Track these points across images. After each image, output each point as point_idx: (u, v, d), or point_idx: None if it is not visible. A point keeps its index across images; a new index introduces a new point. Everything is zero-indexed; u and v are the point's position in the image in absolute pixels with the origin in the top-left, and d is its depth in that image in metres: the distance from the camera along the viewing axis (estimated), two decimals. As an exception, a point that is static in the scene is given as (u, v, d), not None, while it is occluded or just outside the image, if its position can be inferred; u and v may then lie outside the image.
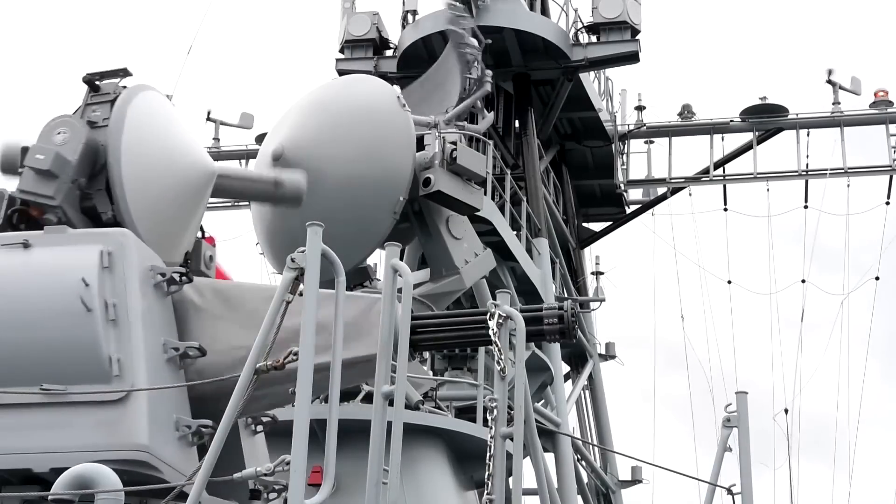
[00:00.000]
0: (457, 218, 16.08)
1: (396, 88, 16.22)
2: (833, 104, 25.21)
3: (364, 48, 23.88)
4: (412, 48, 22.89)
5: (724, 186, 25.63)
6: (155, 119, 7.60)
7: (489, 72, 17.97)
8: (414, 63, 22.27)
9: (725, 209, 25.54)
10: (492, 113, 19.89)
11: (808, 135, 25.16)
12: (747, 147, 25.49)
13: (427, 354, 18.81)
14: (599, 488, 24.41)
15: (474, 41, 17.60)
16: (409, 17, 23.93)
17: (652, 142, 26.30)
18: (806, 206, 25.04)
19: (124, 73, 7.62)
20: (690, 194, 25.89)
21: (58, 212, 7.21)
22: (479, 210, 16.42)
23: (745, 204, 25.83)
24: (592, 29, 23.67)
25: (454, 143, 15.82)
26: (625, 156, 26.23)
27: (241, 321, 6.94)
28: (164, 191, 7.50)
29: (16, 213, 7.25)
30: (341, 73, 23.83)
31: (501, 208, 19.53)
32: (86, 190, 7.33)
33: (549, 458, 20.59)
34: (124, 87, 7.58)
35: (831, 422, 25.17)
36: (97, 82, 7.56)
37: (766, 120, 25.32)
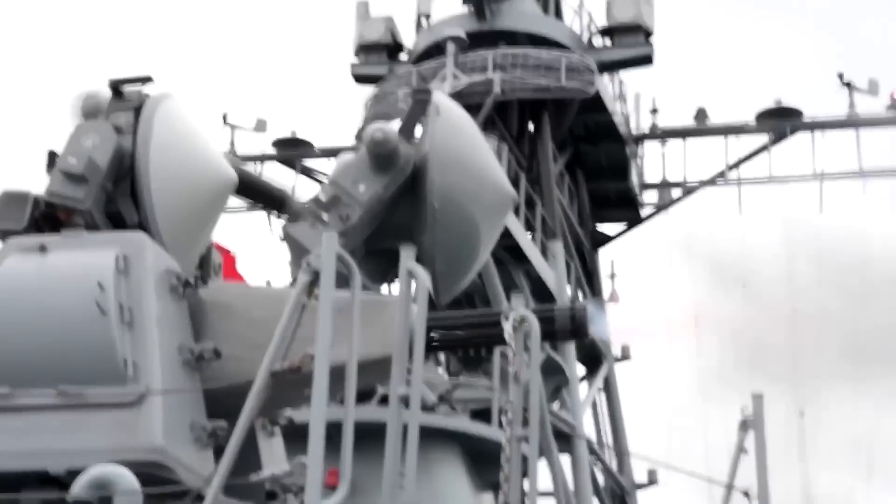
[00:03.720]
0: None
1: None
2: (849, 107, 25.16)
3: (378, 53, 23.94)
4: (426, 52, 22.92)
5: (739, 189, 25.62)
6: (179, 127, 7.66)
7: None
8: (428, 67, 22.30)
9: (740, 212, 25.53)
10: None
11: (823, 137, 25.13)
12: (762, 150, 25.47)
13: (442, 357, 18.85)
14: (615, 490, 24.40)
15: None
16: (423, 20, 23.96)
17: (666, 143, 26.29)
18: (821, 209, 25.02)
19: (148, 79, 7.66)
20: (705, 197, 25.89)
21: (86, 216, 7.26)
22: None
23: (760, 206, 25.80)
24: (606, 32, 23.67)
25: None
26: (639, 159, 26.22)
27: (257, 324, 6.96)
28: (187, 198, 7.55)
29: (42, 215, 7.30)
30: (356, 77, 23.89)
31: (516, 211, 19.55)
32: (111, 195, 7.38)
33: (565, 460, 20.60)
34: (146, 94, 7.62)
35: (848, 424, 25.09)
36: (121, 88, 7.61)
37: (780, 122, 25.29)
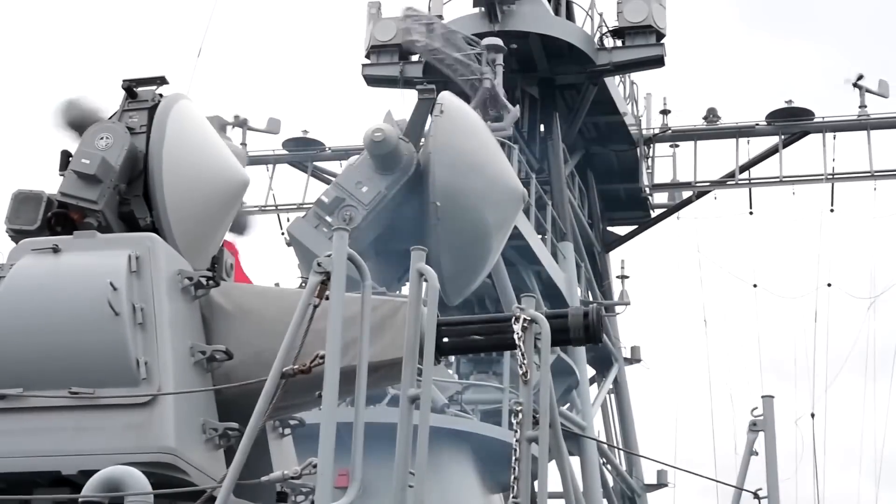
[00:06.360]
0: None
1: None
2: (860, 107, 25.11)
3: (390, 53, 23.91)
4: (437, 52, 22.90)
5: (750, 190, 25.58)
6: (192, 128, 7.68)
7: (485, 68, 17.85)
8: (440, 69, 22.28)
9: (751, 213, 25.51)
10: (517, 107, 19.84)
11: (834, 138, 25.09)
12: (773, 151, 25.42)
13: (453, 358, 18.85)
14: (625, 492, 24.40)
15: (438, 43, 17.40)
16: (435, 22, 23.94)
17: (677, 145, 26.26)
18: (832, 210, 24.98)
19: (161, 80, 7.68)
20: (716, 198, 25.87)
21: (98, 216, 7.28)
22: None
23: (771, 208, 25.79)
24: (617, 33, 23.64)
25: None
26: (650, 160, 26.19)
27: (267, 325, 6.98)
28: (199, 198, 7.57)
29: (54, 215, 7.32)
30: (367, 78, 23.89)
31: (526, 212, 19.55)
32: (124, 195, 7.41)
33: (575, 461, 20.60)
34: (160, 94, 7.64)
35: (857, 427, 25.06)
36: (134, 89, 7.63)
37: (791, 123, 25.24)
